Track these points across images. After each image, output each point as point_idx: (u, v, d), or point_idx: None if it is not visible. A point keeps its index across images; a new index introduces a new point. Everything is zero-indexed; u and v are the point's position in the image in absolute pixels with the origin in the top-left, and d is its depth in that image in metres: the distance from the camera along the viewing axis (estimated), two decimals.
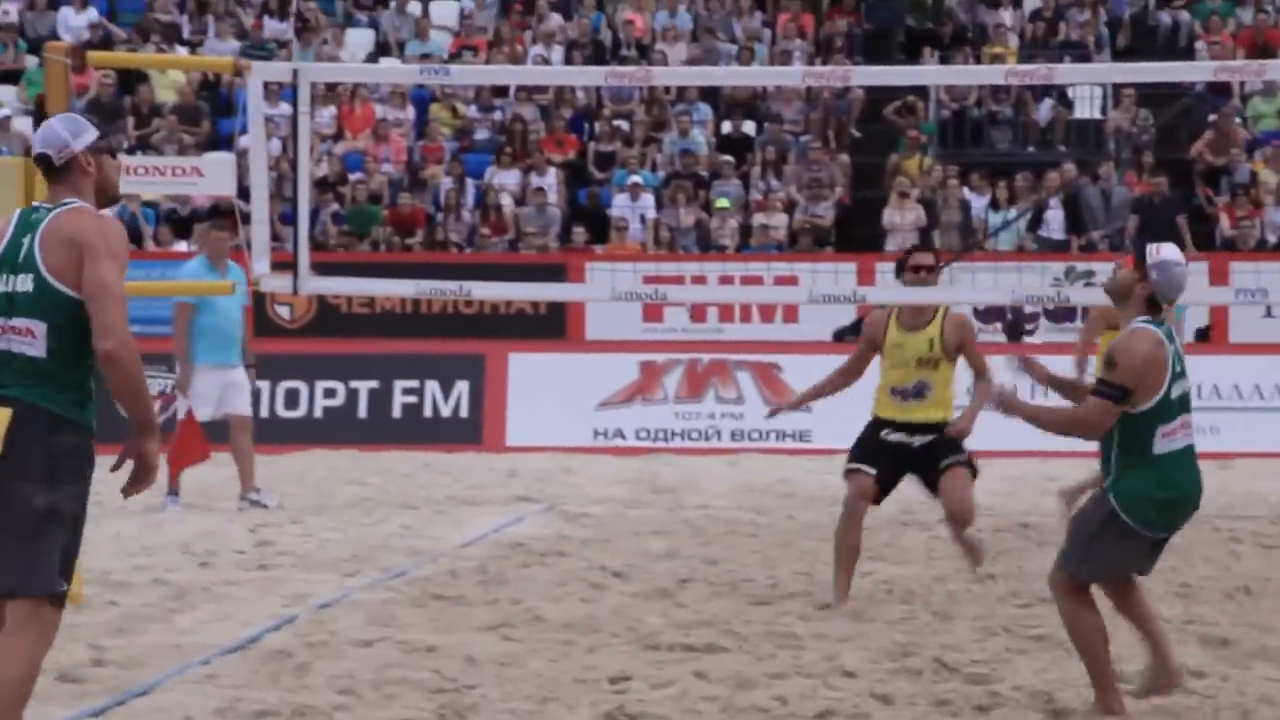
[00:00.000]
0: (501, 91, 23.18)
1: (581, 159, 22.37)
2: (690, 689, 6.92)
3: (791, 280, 17.69)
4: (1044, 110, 22.62)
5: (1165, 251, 6.51)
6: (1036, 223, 20.62)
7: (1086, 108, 22.82)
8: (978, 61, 22.41)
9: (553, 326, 18.96)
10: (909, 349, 9.09)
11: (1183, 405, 6.47)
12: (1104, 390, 6.37)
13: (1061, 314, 18.63)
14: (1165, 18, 24.13)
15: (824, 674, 7.21)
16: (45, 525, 5.29)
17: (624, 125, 22.64)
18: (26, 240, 5.35)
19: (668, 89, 22.75)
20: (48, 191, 5.49)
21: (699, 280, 18.79)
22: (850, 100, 22.79)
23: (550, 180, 21.65)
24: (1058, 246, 20.21)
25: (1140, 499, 6.41)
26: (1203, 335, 18.15)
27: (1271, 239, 20.03)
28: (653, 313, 18.91)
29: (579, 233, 20.68)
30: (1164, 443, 6.41)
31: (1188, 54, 22.78)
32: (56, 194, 5.46)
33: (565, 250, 20.47)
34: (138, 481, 5.43)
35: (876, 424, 9.19)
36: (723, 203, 21.08)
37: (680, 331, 19.02)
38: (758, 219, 20.96)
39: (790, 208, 21.23)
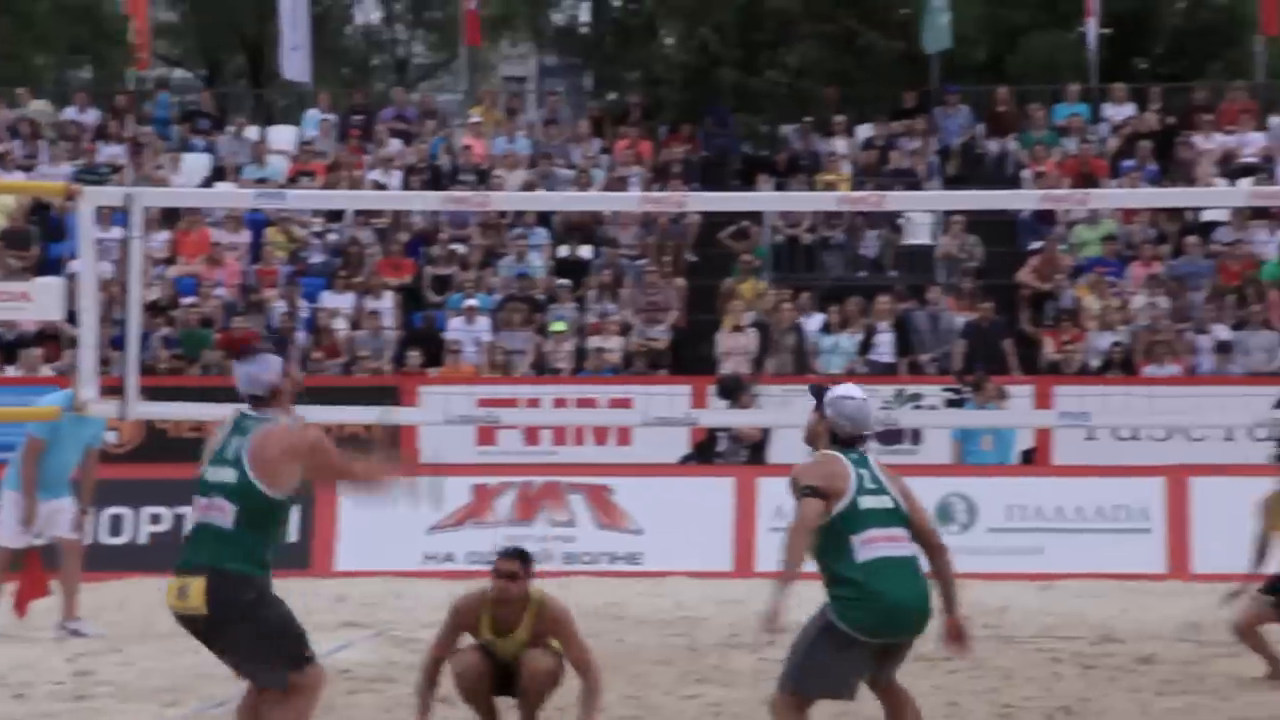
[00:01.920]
0: (338, 215, 23.18)
1: (417, 282, 22.38)
2: None
3: (625, 403, 17.85)
4: (874, 237, 22.99)
5: (839, 390, 7.24)
6: (867, 346, 20.89)
7: (916, 234, 23.24)
8: (811, 188, 22.77)
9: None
10: None
11: (878, 519, 6.94)
12: (800, 493, 7.00)
13: (891, 436, 18.83)
14: (993, 146, 24.67)
15: None
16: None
17: (461, 249, 22.70)
18: None
19: (505, 213, 22.87)
20: None
21: (533, 403, 18.86)
22: (686, 225, 23.04)
23: (386, 303, 21.63)
24: (887, 369, 20.48)
25: (846, 601, 6.86)
26: (1027, 457, 18.43)
27: (1094, 363, 20.43)
28: (486, 435, 18.90)
29: (413, 356, 20.65)
30: (865, 550, 6.87)
31: (1015, 182, 23.30)
32: None
33: (399, 373, 20.42)
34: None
35: None
36: (558, 325, 21.17)
37: (514, 454, 19.00)
38: (593, 342, 21.06)
39: (625, 331, 21.36)
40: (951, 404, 18.83)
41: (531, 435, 19.08)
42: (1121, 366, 20.11)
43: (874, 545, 6.89)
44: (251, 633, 6.98)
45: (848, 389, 7.28)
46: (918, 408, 18.94)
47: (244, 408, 7.33)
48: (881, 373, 20.30)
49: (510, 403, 18.33)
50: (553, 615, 8.49)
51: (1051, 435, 18.42)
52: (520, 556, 8.62)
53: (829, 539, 6.91)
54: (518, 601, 8.52)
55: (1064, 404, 17.78)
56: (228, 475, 7.10)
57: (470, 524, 16.58)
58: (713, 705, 9.62)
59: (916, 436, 18.93)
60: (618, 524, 16.51)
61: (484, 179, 23.53)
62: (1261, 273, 21.56)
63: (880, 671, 7.05)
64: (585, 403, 18.29)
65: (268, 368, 7.32)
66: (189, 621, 7.04)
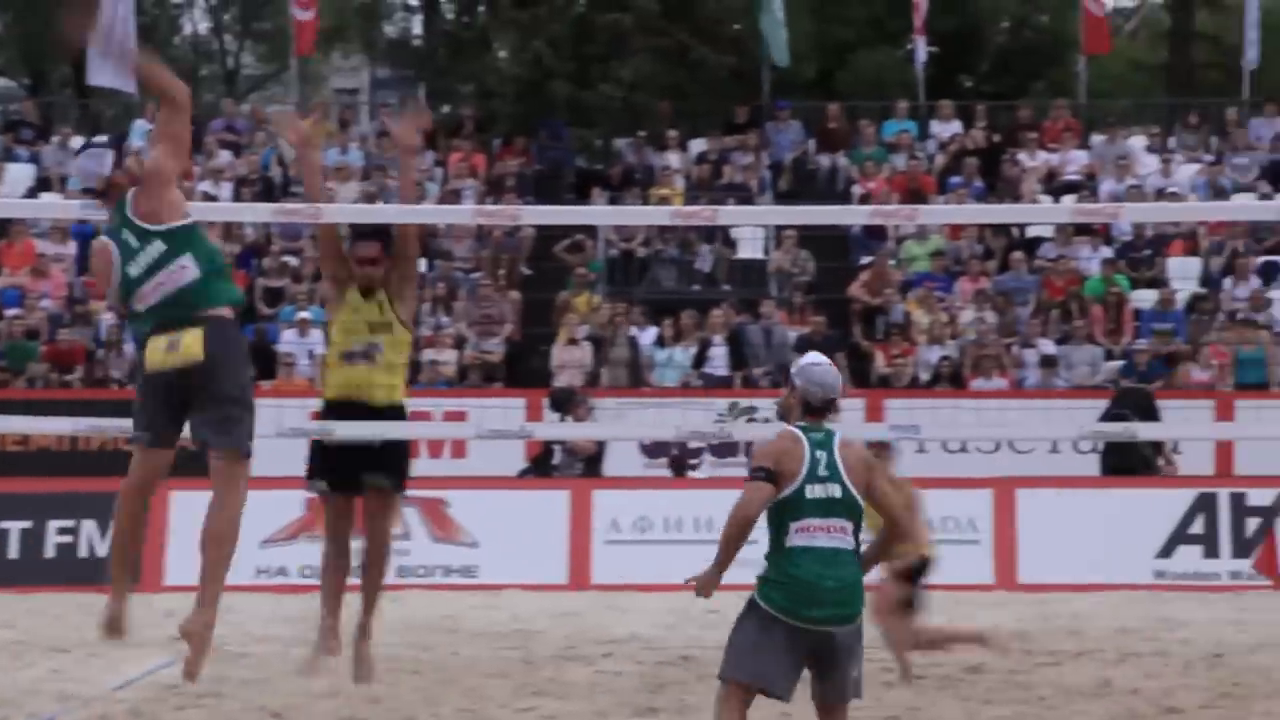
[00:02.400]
0: None
1: (249, 295, 22.14)
2: None
3: (460, 416, 17.80)
4: (707, 251, 23.13)
5: (805, 359, 7.17)
6: (701, 360, 21.02)
7: (749, 248, 23.43)
8: (645, 202, 22.86)
9: None
10: None
11: (820, 508, 6.90)
12: (750, 473, 6.98)
13: (725, 449, 18.98)
14: (824, 162, 24.94)
15: None
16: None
17: (293, 261, 22.51)
18: None
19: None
20: None
21: None
22: (520, 238, 23.04)
23: None
24: (721, 383, 20.61)
25: (769, 582, 6.92)
26: None
27: (924, 376, 20.71)
28: None
29: None
30: (797, 537, 6.88)
31: (845, 198, 23.57)
32: None
33: None
34: None
35: None
36: None
37: None
38: (427, 355, 20.98)
39: (460, 344, 21.30)
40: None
41: None
42: (950, 380, 20.41)
43: (808, 534, 6.90)
44: (234, 386, 7.85)
45: (812, 355, 7.23)
46: (752, 420, 19.08)
47: None
48: (715, 386, 20.44)
49: None
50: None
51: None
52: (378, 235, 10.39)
53: (770, 519, 6.95)
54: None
55: (894, 417, 18.03)
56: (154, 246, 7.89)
57: (303, 538, 16.44)
58: (548, 718, 9.61)
59: (750, 450, 19.04)
60: (453, 537, 16.46)
61: None
62: (1085, 288, 21.98)
63: (819, 682, 7.03)
64: (419, 415, 18.14)
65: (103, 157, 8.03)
66: (176, 377, 7.68)
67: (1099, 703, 10.23)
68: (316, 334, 21.14)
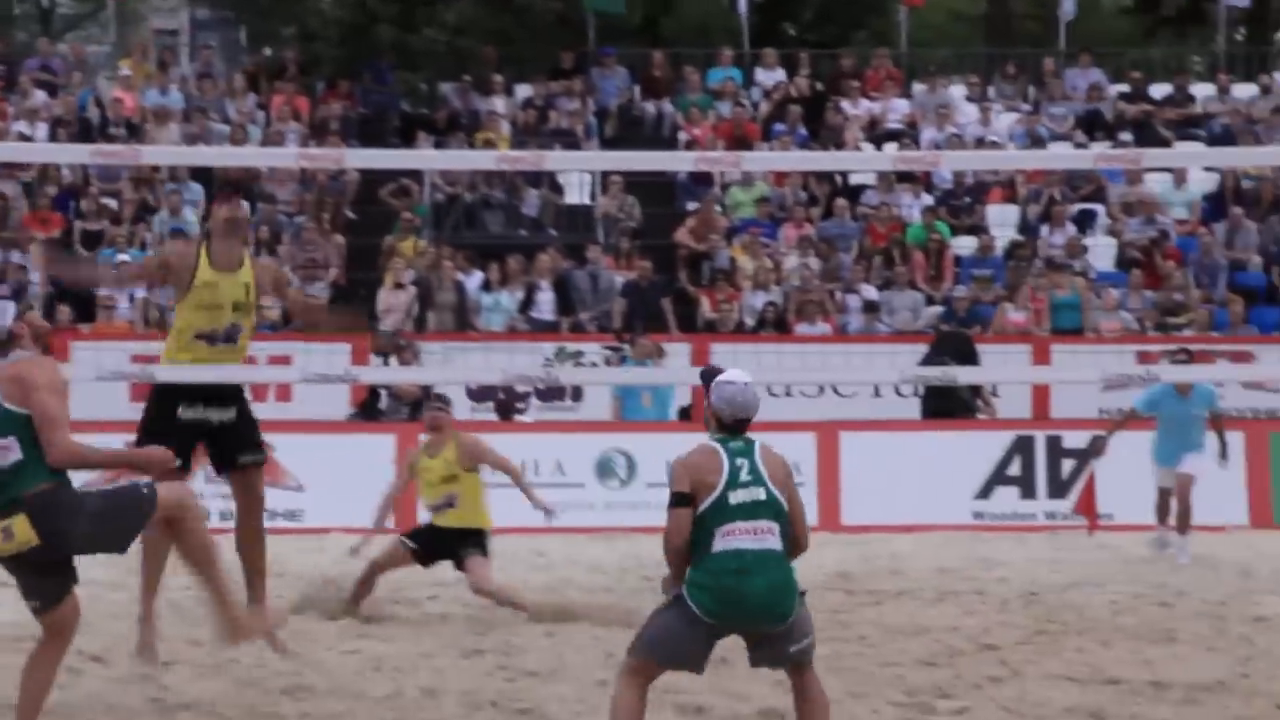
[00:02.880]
0: None
1: (67, 237, 21.77)
2: None
3: (285, 360, 17.62)
4: (534, 196, 23.11)
5: (723, 375, 7.15)
6: (528, 304, 21.02)
7: (576, 194, 23.43)
8: (471, 147, 22.76)
9: None
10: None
11: (745, 512, 6.93)
12: (671, 503, 7.02)
13: (552, 393, 19.01)
14: (650, 108, 24.98)
15: None
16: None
17: (112, 204, 22.16)
18: None
19: (158, 168, 22.39)
20: None
21: None
22: (345, 182, 22.85)
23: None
24: (548, 327, 20.63)
25: (697, 585, 6.92)
26: (685, 414, 18.74)
27: (749, 322, 20.87)
28: (141, 393, 18.47)
29: (63, 311, 20.10)
30: (723, 541, 6.90)
31: (671, 144, 23.64)
32: None
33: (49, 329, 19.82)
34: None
35: None
36: None
37: None
38: None
39: None
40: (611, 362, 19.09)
41: None
42: (775, 325, 20.58)
43: (733, 537, 6.89)
44: (91, 525, 7.35)
45: (731, 374, 7.14)
46: (578, 365, 19.13)
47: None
48: (542, 330, 20.46)
49: None
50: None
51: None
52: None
53: (695, 526, 6.95)
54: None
55: (720, 361, 18.05)
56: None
57: (124, 482, 16.23)
58: (373, 660, 9.61)
59: (577, 393, 19.14)
60: (278, 481, 16.33)
61: (135, 132, 22.98)
62: (906, 235, 22.26)
63: (760, 655, 7.10)
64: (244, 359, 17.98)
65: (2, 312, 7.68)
66: (18, 559, 7.27)
67: (918, 641, 10.43)
68: None
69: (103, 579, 13.26)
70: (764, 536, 6.95)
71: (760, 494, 6.97)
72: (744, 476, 6.96)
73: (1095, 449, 15.05)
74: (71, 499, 7.31)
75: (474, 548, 11.15)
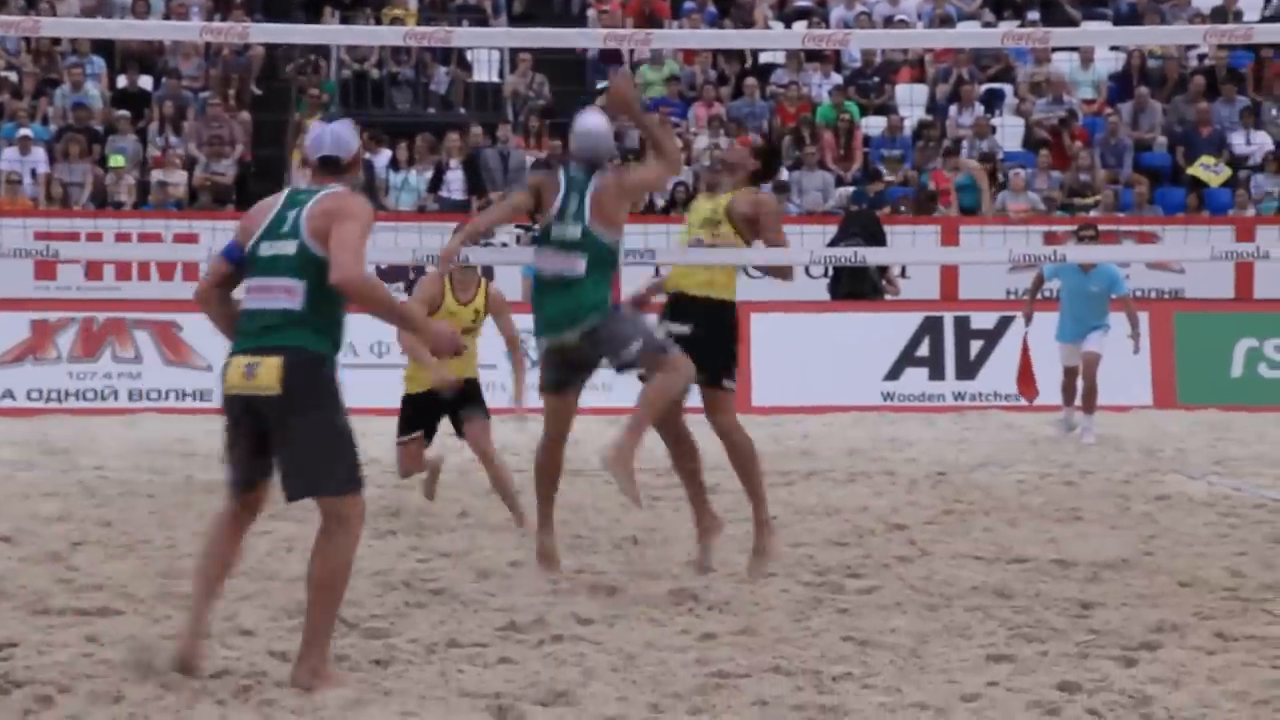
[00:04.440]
0: None
1: None
2: (81, 653, 6.78)
3: (192, 238, 17.49)
4: (442, 73, 22.91)
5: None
6: (437, 183, 20.89)
7: (485, 71, 23.24)
8: (378, 23, 22.51)
9: None
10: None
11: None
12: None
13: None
14: None
15: (221, 634, 7.17)
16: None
17: (12, 77, 21.79)
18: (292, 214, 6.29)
19: (59, 40, 22.02)
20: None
21: (95, 237, 18.33)
22: (250, 57, 22.55)
23: None
24: (458, 207, 20.51)
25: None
26: None
27: (660, 202, 20.84)
28: (45, 270, 18.32)
29: None
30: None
31: (580, 21, 23.45)
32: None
33: None
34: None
35: None
36: (116, 159, 20.55)
37: (75, 290, 18.48)
38: (156, 175, 20.52)
39: (190, 165, 20.88)
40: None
41: (94, 270, 18.57)
42: (685, 205, 20.52)
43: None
44: (321, 424, 6.20)
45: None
46: (488, 245, 18.99)
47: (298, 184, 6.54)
48: (452, 209, 20.33)
49: (71, 237, 17.76)
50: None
51: (619, 273, 18.73)
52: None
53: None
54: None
55: (631, 242, 18.06)
56: (288, 248, 6.23)
57: (30, 360, 16.11)
58: (285, 540, 9.60)
59: (489, 273, 19.01)
60: (186, 360, 16.25)
61: (34, 4, 22.56)
62: (816, 115, 22.24)
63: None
64: (149, 237, 17.83)
65: (351, 131, 6.59)
66: (247, 405, 6.20)
67: (828, 521, 10.53)
68: (39, 152, 20.56)
69: (10, 458, 13.20)
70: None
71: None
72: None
73: (1026, 316, 15.04)
74: (331, 383, 6.27)
75: (476, 404, 10.65)
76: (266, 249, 6.26)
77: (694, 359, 8.57)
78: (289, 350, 6.17)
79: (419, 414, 10.65)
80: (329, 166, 6.44)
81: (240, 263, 6.35)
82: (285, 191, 6.47)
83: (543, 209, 8.57)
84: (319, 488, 6.29)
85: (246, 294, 6.31)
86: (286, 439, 6.22)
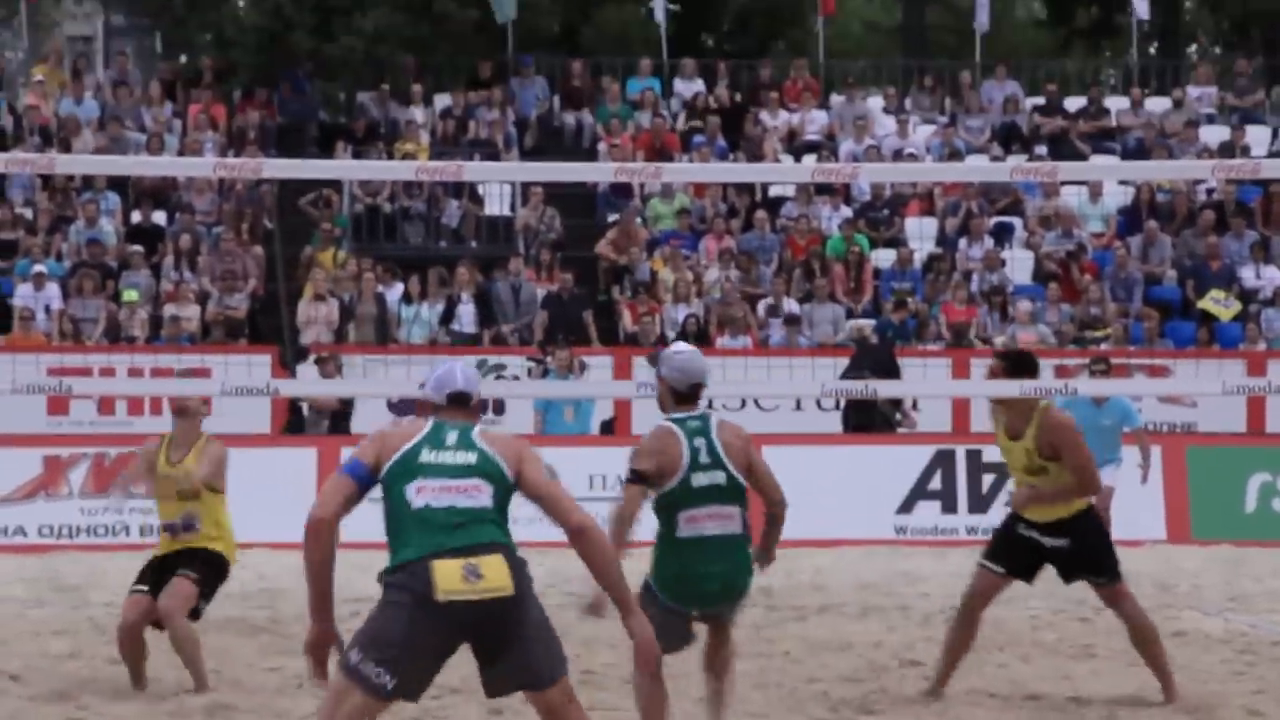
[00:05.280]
0: None
1: None
2: None
3: (204, 372, 17.51)
4: (454, 207, 23.06)
5: (669, 349, 7.29)
6: (449, 317, 20.96)
7: (496, 205, 23.40)
8: (390, 157, 22.69)
9: None
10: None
11: (706, 496, 7.02)
12: (628, 478, 7.05)
13: None
14: (570, 119, 24.99)
15: None
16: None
17: (27, 213, 21.95)
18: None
19: (73, 177, 22.21)
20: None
21: (108, 372, 18.38)
22: (264, 192, 22.73)
23: None
24: (469, 340, 20.58)
25: (663, 577, 7.07)
26: (607, 428, 18.74)
27: (671, 334, 20.88)
28: (58, 406, 18.35)
29: None
30: (687, 527, 7.01)
31: (591, 155, 23.64)
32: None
33: None
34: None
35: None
36: (130, 294, 20.65)
37: (87, 425, 18.50)
38: (169, 310, 20.61)
39: (203, 299, 20.98)
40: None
41: (106, 405, 18.59)
42: (696, 338, 20.60)
43: (697, 523, 6.99)
44: (541, 614, 5.94)
45: (675, 346, 7.34)
46: (500, 378, 19.08)
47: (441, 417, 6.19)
48: (464, 343, 20.41)
49: (83, 372, 17.83)
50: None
51: (630, 405, 18.77)
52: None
53: (659, 511, 7.02)
54: None
55: (642, 375, 18.12)
56: (470, 458, 5.98)
57: (42, 497, 16.10)
58: (295, 677, 9.55)
59: (499, 407, 19.09)
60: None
61: (50, 141, 22.79)
62: (826, 247, 22.35)
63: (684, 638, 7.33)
64: (162, 372, 17.86)
65: (477, 373, 6.53)
66: (477, 611, 5.76)
67: (842, 656, 10.46)
68: (53, 287, 20.67)
69: (22, 595, 13.16)
70: (727, 521, 7.04)
71: (720, 477, 7.05)
72: (703, 459, 7.02)
73: None
74: (532, 581, 6.01)
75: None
76: (429, 456, 5.97)
77: (1081, 569, 8.90)
78: (503, 546, 5.88)
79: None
80: (459, 402, 6.20)
81: (368, 484, 6.00)
82: (427, 426, 6.11)
83: (662, 472, 7.11)
84: (561, 668, 6.02)
85: (417, 494, 5.91)
86: (521, 634, 5.87)
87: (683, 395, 7.13)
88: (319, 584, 5.87)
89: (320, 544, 5.84)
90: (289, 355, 19.50)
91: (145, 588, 9.24)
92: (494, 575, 5.75)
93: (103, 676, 9.59)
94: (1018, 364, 9.12)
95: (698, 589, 7.08)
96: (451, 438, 6.03)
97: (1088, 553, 8.88)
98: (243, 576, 14.01)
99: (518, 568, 5.86)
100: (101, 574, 14.36)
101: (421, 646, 5.75)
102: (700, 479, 7.01)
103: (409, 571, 5.73)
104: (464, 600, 5.71)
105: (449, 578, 5.69)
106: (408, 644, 5.72)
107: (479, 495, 5.90)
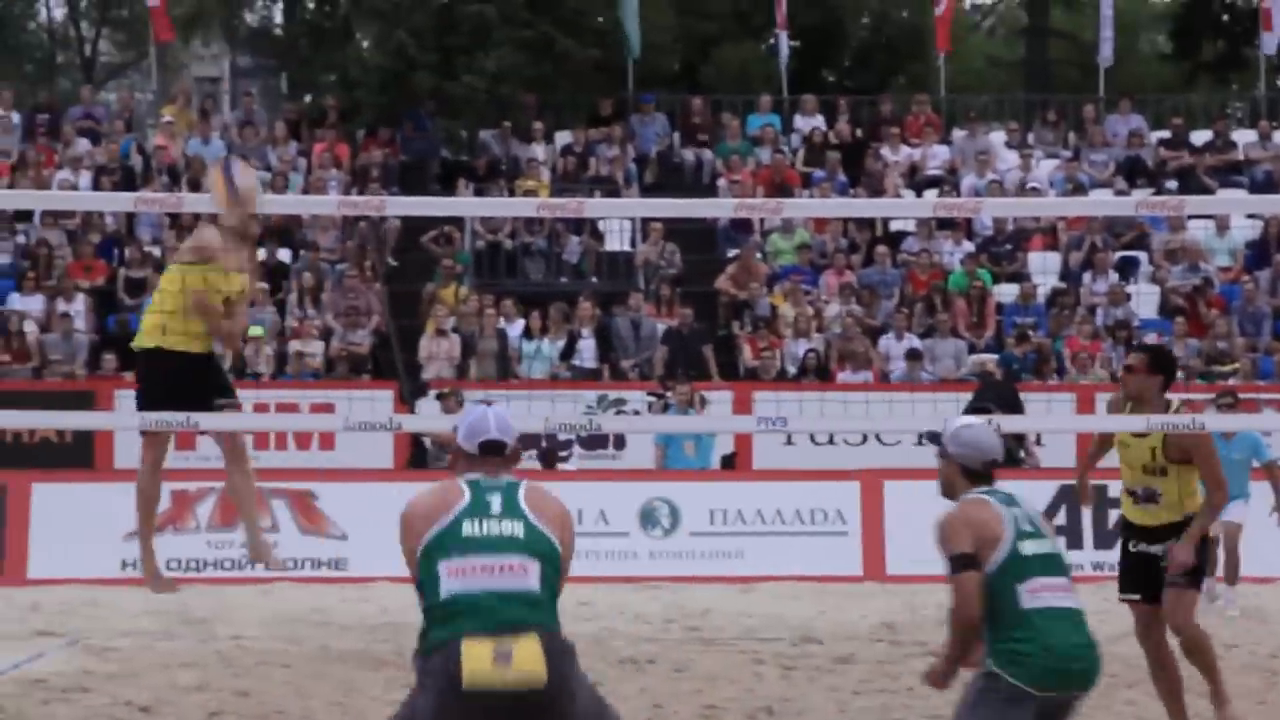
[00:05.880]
0: (25, 216, 22.56)
1: (111, 285, 21.88)
2: None
3: (328, 408, 17.66)
4: (575, 243, 23.15)
5: (954, 423, 6.50)
6: (569, 352, 21.03)
7: (616, 241, 23.47)
8: (511, 194, 22.82)
9: (80, 455, 18.42)
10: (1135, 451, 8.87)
11: (1042, 566, 6.23)
12: (954, 567, 6.22)
13: (594, 441, 19.00)
14: (689, 155, 25.03)
15: None
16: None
17: (155, 251, 22.26)
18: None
19: (199, 215, 22.48)
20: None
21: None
22: (387, 230, 22.92)
23: (78, 306, 21.13)
24: (590, 375, 20.63)
25: (1012, 654, 6.14)
26: (728, 462, 18.72)
27: (791, 369, 20.84)
28: (185, 441, 18.53)
29: (108, 360, 20.19)
30: (1031, 599, 6.18)
31: (711, 190, 23.67)
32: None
33: (93, 378, 19.95)
34: None
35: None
36: (257, 330, 20.87)
37: (214, 459, 18.63)
38: (293, 346, 20.83)
39: (327, 335, 21.17)
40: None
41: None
42: (817, 373, 20.55)
43: (1040, 595, 6.17)
44: (590, 704, 5.54)
45: (963, 420, 6.53)
46: (620, 413, 19.11)
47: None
48: (584, 378, 20.47)
49: None
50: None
51: (751, 440, 18.75)
52: None
53: (989, 597, 6.17)
54: None
55: (762, 409, 18.08)
56: (517, 530, 5.65)
57: (170, 530, 16.28)
58: None
59: (620, 441, 19.13)
60: (321, 529, 16.36)
61: (177, 180, 23.11)
62: (948, 282, 22.22)
63: None
64: (287, 407, 18.03)
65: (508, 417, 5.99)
66: (505, 701, 5.39)
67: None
68: None
69: (150, 628, 13.31)
70: (1067, 594, 6.26)
71: (1048, 546, 6.30)
72: (1025, 526, 6.25)
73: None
74: (578, 668, 5.61)
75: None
76: (472, 528, 5.62)
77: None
78: (540, 628, 5.48)
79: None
80: (493, 451, 5.84)
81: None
82: (466, 493, 5.73)
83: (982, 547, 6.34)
84: None
85: (457, 576, 5.54)
86: None
87: (976, 474, 6.36)
88: None
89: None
90: (406, 390, 19.62)
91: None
92: (525, 660, 5.35)
93: (229, 708, 9.67)
94: (1157, 358, 8.91)
95: (1063, 665, 6.14)
96: (496, 503, 5.65)
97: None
98: (366, 610, 14.13)
99: (555, 653, 5.40)
100: (228, 607, 14.50)
101: None
102: (1029, 546, 6.22)
103: (440, 656, 5.41)
104: (491, 691, 5.33)
105: (478, 660, 5.34)
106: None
107: (524, 577, 5.52)
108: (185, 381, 9.77)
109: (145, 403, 9.74)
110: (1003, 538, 6.15)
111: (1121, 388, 9.07)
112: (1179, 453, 8.68)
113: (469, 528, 5.57)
